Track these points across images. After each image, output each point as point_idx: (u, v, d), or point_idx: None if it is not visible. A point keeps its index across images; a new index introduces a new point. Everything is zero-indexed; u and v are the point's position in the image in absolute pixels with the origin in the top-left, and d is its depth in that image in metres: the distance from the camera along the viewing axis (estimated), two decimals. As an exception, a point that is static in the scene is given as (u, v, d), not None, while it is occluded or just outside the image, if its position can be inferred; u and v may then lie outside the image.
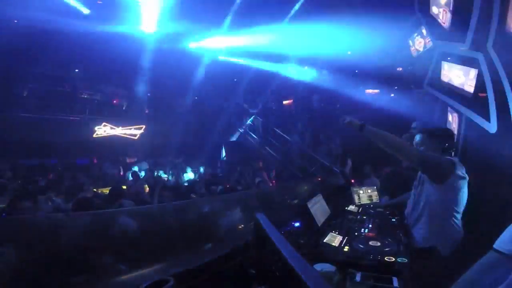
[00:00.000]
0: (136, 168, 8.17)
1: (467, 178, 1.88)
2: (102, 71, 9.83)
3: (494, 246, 1.07)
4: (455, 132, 3.38)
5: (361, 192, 2.96)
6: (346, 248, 1.58)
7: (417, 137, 2.08)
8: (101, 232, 2.14)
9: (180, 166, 9.55)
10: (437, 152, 1.92)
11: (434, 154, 1.89)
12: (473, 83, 2.85)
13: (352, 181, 4.40)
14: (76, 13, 7.63)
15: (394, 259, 1.38)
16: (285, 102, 10.69)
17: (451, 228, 1.84)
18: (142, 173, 7.83)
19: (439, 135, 2.06)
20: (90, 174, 8.03)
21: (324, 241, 1.67)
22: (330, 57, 7.91)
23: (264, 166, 7.58)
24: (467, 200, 1.90)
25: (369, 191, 2.96)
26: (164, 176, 7.76)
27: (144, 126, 10.83)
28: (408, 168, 2.86)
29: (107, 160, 9.36)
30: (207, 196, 4.73)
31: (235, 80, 11.41)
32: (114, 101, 11.30)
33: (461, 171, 1.84)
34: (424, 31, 4.15)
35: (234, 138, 11.09)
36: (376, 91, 8.21)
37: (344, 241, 1.69)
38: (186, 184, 6.95)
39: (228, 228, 2.52)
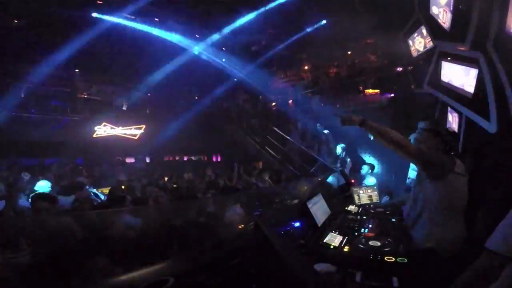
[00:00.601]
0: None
1: (467, 176, 1.88)
2: (102, 71, 9.85)
3: (487, 246, 1.06)
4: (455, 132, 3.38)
5: (361, 192, 2.96)
6: (346, 248, 1.58)
7: (421, 135, 2.07)
8: (101, 232, 2.14)
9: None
10: (438, 152, 1.92)
11: (433, 152, 1.88)
12: (473, 83, 2.84)
13: (352, 181, 4.40)
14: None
15: (394, 259, 1.38)
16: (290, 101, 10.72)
17: (451, 228, 1.82)
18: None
19: (444, 135, 2.05)
20: (90, 174, 8.02)
21: (324, 241, 1.67)
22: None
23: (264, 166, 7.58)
24: (467, 200, 1.90)
25: (369, 191, 2.96)
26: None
27: (144, 126, 10.83)
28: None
29: (107, 160, 9.36)
30: (208, 197, 4.72)
31: (235, 80, 11.42)
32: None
33: (461, 169, 1.84)
34: (424, 31, 4.15)
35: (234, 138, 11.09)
36: (376, 91, 8.21)
37: (344, 241, 1.69)
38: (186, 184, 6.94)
39: (229, 228, 2.52)
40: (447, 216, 1.82)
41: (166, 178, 7.75)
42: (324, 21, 8.75)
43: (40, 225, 1.98)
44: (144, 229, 2.48)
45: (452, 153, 1.98)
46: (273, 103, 9.87)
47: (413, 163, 1.89)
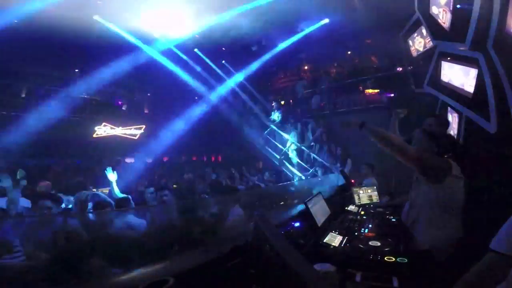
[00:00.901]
0: None
1: (463, 178, 1.88)
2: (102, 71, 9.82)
3: (491, 246, 1.06)
4: (455, 132, 3.38)
5: (361, 192, 2.96)
6: (346, 248, 1.59)
7: (417, 135, 2.08)
8: (101, 232, 2.15)
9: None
10: (433, 154, 1.93)
11: (430, 155, 1.89)
12: (473, 83, 2.85)
13: (352, 181, 4.40)
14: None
15: (394, 259, 1.38)
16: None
17: (449, 230, 1.83)
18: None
19: (440, 138, 2.06)
20: (90, 174, 8.03)
21: (324, 241, 1.67)
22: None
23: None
24: (466, 201, 1.90)
25: (369, 191, 2.96)
26: None
27: (144, 126, 10.84)
28: None
29: (107, 160, 9.35)
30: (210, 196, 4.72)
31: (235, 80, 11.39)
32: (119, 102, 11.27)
33: (457, 172, 1.85)
34: (424, 31, 4.15)
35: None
36: (376, 91, 8.20)
37: (344, 241, 1.69)
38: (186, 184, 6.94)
39: (229, 228, 2.52)
40: (444, 218, 1.83)
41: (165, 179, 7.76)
42: (324, 21, 8.74)
43: (43, 225, 1.98)
44: (147, 229, 2.48)
45: (447, 156, 1.98)
46: (273, 103, 9.86)
47: (412, 166, 1.90)
